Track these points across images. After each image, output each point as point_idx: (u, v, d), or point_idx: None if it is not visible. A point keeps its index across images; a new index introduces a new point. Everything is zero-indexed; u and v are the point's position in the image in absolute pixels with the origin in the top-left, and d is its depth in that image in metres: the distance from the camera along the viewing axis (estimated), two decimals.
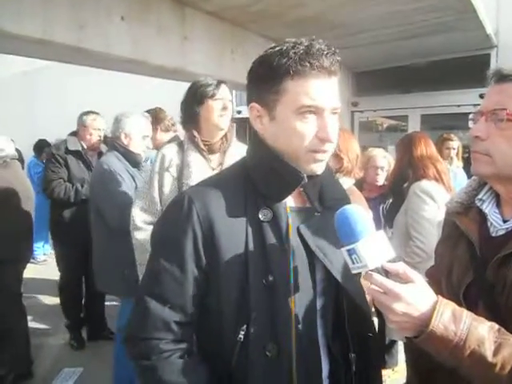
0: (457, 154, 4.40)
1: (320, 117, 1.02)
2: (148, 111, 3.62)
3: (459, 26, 5.14)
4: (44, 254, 7.18)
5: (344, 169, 2.30)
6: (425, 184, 2.75)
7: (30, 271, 3.41)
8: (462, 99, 5.68)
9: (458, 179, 4.08)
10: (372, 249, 0.92)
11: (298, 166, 1.06)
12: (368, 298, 1.16)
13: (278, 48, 1.02)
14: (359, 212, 0.96)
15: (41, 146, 7.10)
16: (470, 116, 1.11)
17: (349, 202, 1.23)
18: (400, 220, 2.91)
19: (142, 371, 1.07)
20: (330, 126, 1.03)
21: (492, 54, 6.17)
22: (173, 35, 4.30)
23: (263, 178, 1.09)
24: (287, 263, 1.04)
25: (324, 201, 1.15)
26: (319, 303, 1.12)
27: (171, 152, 2.19)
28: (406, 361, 1.44)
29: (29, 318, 3.47)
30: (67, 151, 3.85)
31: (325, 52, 1.00)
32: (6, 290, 3.19)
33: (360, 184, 3.06)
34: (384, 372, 3.10)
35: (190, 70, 4.44)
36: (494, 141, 1.02)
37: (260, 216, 1.06)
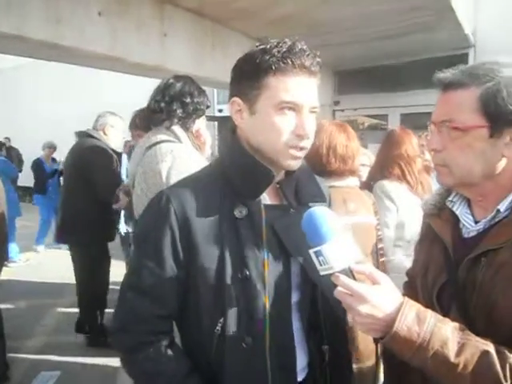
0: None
1: (298, 114, 1.06)
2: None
3: (438, 26, 5.22)
4: (17, 256, 7.00)
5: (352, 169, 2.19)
6: (384, 184, 2.66)
7: (4, 273, 3.32)
8: None
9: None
10: (339, 251, 0.92)
11: (275, 161, 1.10)
12: None
13: (262, 46, 1.07)
14: (326, 214, 0.95)
15: None
16: (428, 123, 1.11)
17: (325, 200, 1.26)
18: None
19: (126, 363, 1.13)
20: (308, 124, 1.07)
21: (470, 54, 6.30)
22: (152, 32, 4.25)
23: (238, 175, 1.12)
24: (262, 258, 1.09)
25: (300, 198, 1.19)
26: (295, 297, 1.16)
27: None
28: (382, 358, 1.45)
29: (5, 320, 3.38)
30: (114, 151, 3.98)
31: (306, 52, 1.05)
32: None
33: None
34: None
35: (169, 67, 4.39)
36: (449, 152, 1.03)
37: (235, 213, 1.10)
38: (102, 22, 3.77)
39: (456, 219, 1.13)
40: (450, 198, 1.15)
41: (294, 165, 1.12)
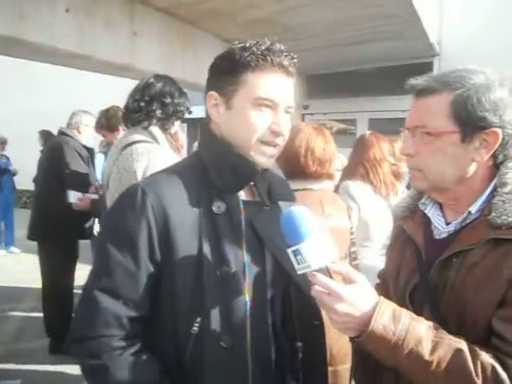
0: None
1: (274, 111, 1.08)
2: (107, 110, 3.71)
3: (405, 34, 5.36)
4: None
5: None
6: (348, 184, 2.69)
7: None
8: (407, 104, 5.87)
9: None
10: (316, 249, 0.93)
11: (247, 157, 1.09)
12: None
13: (241, 44, 1.08)
14: (304, 213, 0.96)
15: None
16: (401, 129, 1.15)
17: (294, 199, 1.29)
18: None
19: (91, 371, 1.05)
20: (283, 121, 1.09)
21: (435, 62, 6.49)
22: (122, 30, 4.17)
23: (218, 169, 1.11)
24: (241, 255, 1.09)
25: (272, 196, 1.20)
26: (269, 293, 1.16)
27: None
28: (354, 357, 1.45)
29: None
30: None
31: (285, 53, 1.08)
32: None
33: None
34: None
35: (139, 66, 4.32)
36: (423, 156, 1.06)
37: (213, 208, 1.08)
38: (69, 19, 3.67)
39: (428, 221, 1.15)
40: (422, 201, 1.17)
41: (266, 162, 1.12)
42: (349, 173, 2.80)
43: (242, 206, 1.12)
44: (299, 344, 1.18)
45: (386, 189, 2.71)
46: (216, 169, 1.11)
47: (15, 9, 3.25)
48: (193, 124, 7.96)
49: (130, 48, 4.27)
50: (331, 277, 0.95)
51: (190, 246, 1.05)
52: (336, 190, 2.62)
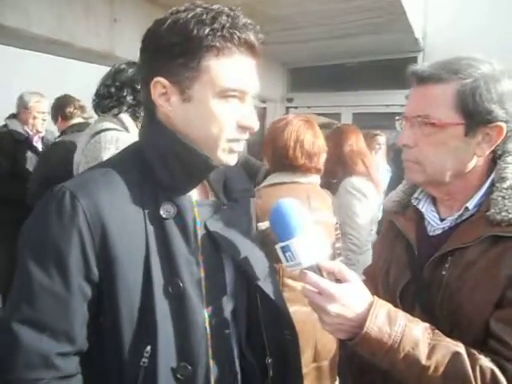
0: (382, 150, 4.57)
1: (242, 102, 0.92)
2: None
3: (389, 28, 5.34)
4: None
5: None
6: (355, 180, 2.76)
7: None
8: (391, 99, 5.89)
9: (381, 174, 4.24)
10: (307, 246, 0.88)
11: (209, 156, 0.92)
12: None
13: (192, 13, 0.87)
14: (295, 207, 0.91)
15: None
16: (397, 118, 1.08)
17: (253, 195, 1.17)
18: None
19: None
20: (252, 112, 0.93)
21: (419, 58, 6.49)
22: (101, 16, 4.03)
23: (165, 166, 0.92)
24: (197, 265, 0.93)
25: (229, 192, 1.04)
26: (230, 306, 1.01)
27: None
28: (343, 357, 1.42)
29: None
30: (14, 140, 3.39)
31: (250, 27, 0.88)
32: None
33: None
34: None
35: (119, 54, 4.18)
36: (422, 148, 1.00)
37: (161, 212, 0.90)
38: (46, 3, 3.53)
39: (420, 217, 1.11)
40: (415, 196, 1.13)
41: (232, 160, 0.96)
42: (344, 167, 2.80)
43: (195, 208, 0.95)
44: (269, 360, 1.03)
45: (379, 184, 2.82)
46: (162, 164, 0.92)
47: None
48: None
49: (110, 35, 4.14)
50: (322, 275, 0.90)
51: (135, 260, 0.87)
52: (329, 186, 2.65)
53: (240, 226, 1.01)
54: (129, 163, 0.95)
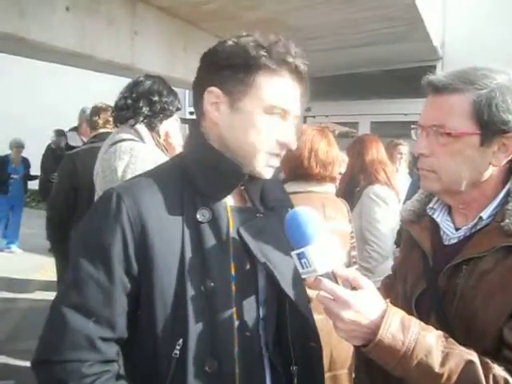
0: (404, 159, 4.54)
1: (285, 121, 1.00)
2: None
3: (408, 37, 5.33)
4: None
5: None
6: (378, 189, 2.79)
7: None
8: (409, 108, 5.87)
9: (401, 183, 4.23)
10: (322, 253, 0.88)
11: (247, 165, 1.01)
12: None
13: (252, 38, 0.98)
14: (311, 214, 0.92)
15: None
16: (412, 126, 1.08)
17: (291, 205, 1.20)
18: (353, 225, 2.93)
19: None
20: (292, 132, 1.01)
21: (438, 66, 6.46)
22: (122, 29, 4.14)
23: (202, 174, 1.01)
24: (228, 268, 0.98)
25: (266, 201, 1.10)
26: (262, 312, 1.04)
27: None
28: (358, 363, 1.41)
29: None
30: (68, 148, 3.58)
31: (299, 56, 0.99)
32: None
33: None
34: None
35: (139, 66, 4.29)
36: (438, 157, 1.00)
37: (198, 216, 0.97)
38: (69, 17, 3.64)
39: (436, 226, 1.11)
40: (430, 205, 1.13)
41: (268, 173, 1.04)
42: (367, 176, 2.84)
43: (229, 214, 1.01)
44: (294, 368, 1.05)
45: (398, 193, 2.85)
46: (201, 173, 1.01)
47: (15, 6, 3.22)
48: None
49: (131, 47, 4.24)
50: (337, 282, 0.90)
51: (172, 259, 0.94)
52: (351, 194, 2.70)
53: (274, 235, 1.03)
54: (172, 171, 1.05)
